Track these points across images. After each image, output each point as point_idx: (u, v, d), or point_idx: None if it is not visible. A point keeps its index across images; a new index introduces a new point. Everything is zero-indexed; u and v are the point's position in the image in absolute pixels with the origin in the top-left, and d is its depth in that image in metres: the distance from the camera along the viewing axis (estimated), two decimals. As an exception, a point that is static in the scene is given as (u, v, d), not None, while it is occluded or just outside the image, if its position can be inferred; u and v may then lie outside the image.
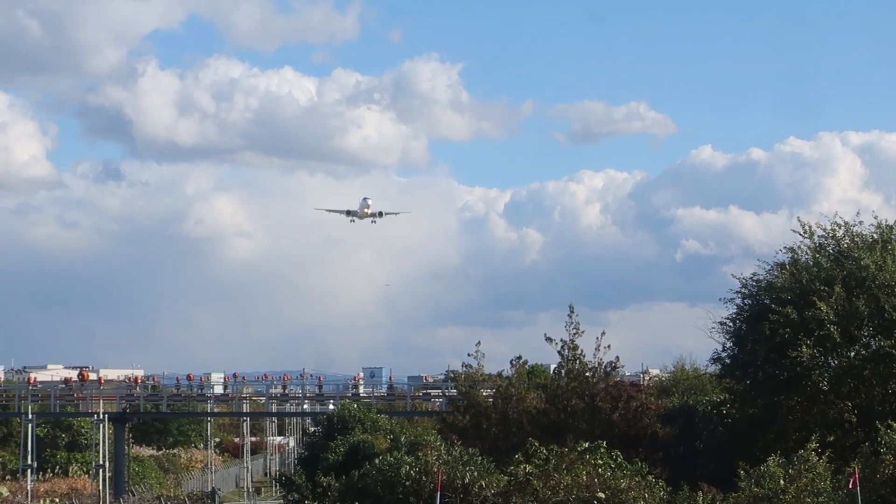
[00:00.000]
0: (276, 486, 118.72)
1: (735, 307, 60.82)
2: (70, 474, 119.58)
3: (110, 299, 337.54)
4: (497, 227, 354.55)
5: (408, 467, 49.35)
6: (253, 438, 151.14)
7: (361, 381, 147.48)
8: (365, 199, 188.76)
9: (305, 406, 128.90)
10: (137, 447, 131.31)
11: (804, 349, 55.29)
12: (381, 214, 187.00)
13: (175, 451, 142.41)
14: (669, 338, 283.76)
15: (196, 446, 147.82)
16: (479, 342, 64.80)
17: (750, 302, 60.21)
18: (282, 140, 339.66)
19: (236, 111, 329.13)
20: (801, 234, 60.05)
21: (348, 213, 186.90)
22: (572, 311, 61.78)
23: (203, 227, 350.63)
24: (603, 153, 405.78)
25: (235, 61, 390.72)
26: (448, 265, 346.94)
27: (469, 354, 64.61)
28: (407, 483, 48.85)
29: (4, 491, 77.13)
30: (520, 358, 65.49)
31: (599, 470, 46.73)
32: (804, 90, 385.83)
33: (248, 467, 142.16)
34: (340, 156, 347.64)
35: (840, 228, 59.52)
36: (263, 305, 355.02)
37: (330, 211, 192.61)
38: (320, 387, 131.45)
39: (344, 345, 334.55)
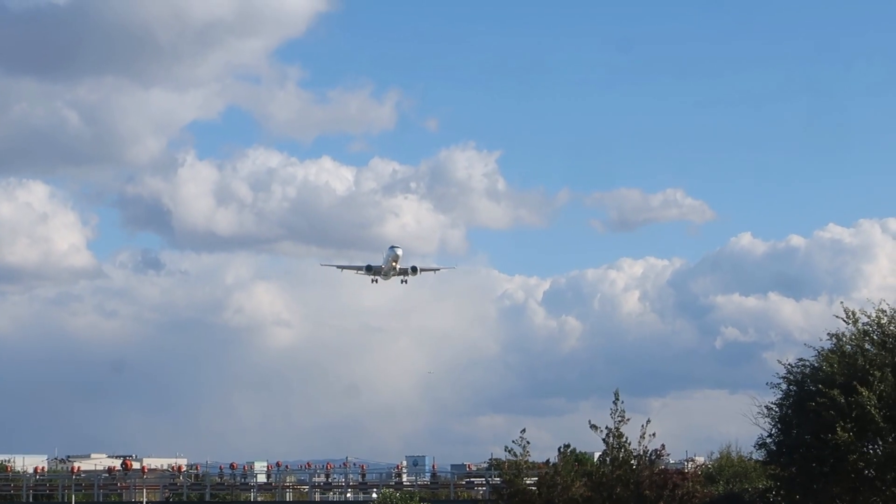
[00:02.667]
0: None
1: (780, 392, 60.82)
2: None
3: (151, 388, 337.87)
4: (536, 316, 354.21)
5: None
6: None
7: (404, 470, 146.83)
8: (392, 248, 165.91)
9: (349, 495, 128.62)
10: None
11: (840, 432, 55.23)
12: (415, 271, 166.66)
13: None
14: (711, 425, 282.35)
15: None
16: (524, 429, 64.49)
17: (795, 388, 60.22)
18: (320, 229, 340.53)
19: (274, 201, 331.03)
20: (844, 321, 60.08)
21: (369, 269, 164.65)
22: (617, 398, 61.77)
23: (242, 315, 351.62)
24: (641, 241, 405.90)
25: (274, 151, 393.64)
26: (487, 353, 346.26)
27: (514, 441, 64.37)
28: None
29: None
30: (568, 446, 65.34)
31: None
32: (845, 176, 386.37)
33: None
34: (378, 244, 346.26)
35: (885, 315, 59.56)
36: (304, 394, 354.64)
37: (343, 268, 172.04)
38: (363, 475, 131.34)
39: (384, 433, 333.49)
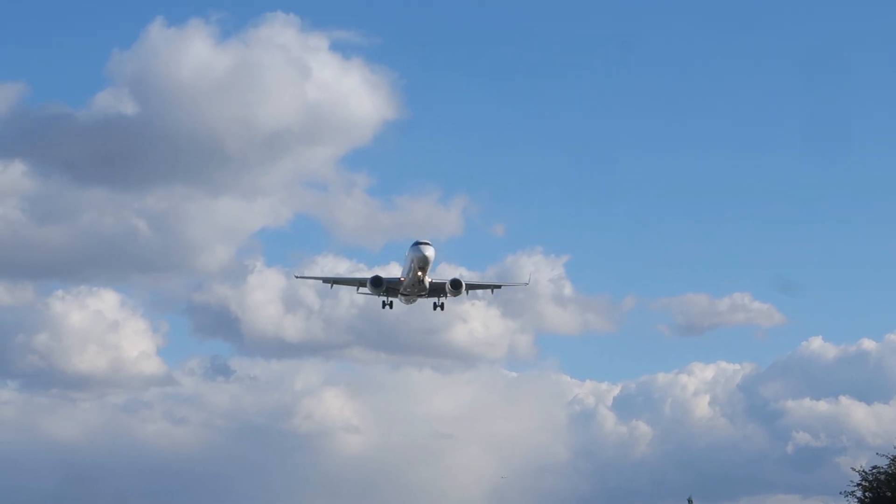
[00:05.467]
0: None
1: (856, 500, 60.50)
2: None
3: (221, 495, 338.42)
4: (606, 421, 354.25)
5: None
6: None
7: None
8: (417, 245, 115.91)
9: None
10: None
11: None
12: (457, 287, 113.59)
13: None
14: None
15: None
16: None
17: (871, 495, 59.87)
18: (388, 335, 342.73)
19: (342, 307, 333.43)
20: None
21: (376, 283, 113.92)
22: (690, 504, 61.37)
23: (312, 422, 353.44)
24: (711, 345, 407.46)
25: (342, 258, 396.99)
26: (557, 459, 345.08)
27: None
28: None
29: None
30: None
31: None
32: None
33: None
34: (447, 350, 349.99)
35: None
36: (373, 501, 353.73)
37: (334, 282, 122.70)
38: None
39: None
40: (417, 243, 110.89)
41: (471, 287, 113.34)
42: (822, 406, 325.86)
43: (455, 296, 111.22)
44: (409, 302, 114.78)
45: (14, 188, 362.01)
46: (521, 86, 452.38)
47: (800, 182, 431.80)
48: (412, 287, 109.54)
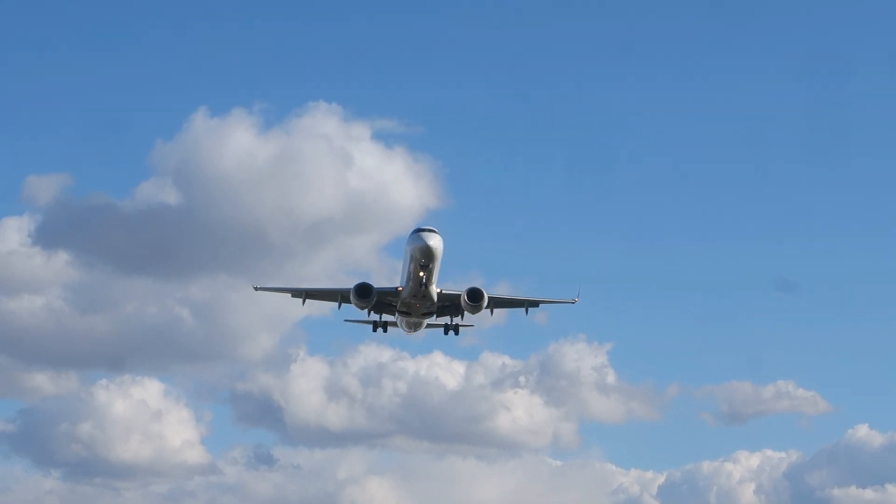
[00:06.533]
0: None
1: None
2: None
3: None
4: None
5: None
6: None
7: None
8: (418, 232, 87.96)
9: None
10: None
11: None
12: (476, 299, 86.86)
13: None
14: None
15: None
16: None
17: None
18: (431, 424, 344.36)
19: (385, 396, 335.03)
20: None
21: (362, 292, 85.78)
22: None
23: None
24: (755, 433, 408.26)
25: (385, 347, 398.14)
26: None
27: None
28: None
29: None
30: None
31: None
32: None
33: None
34: (491, 439, 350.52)
35: None
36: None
37: (308, 296, 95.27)
38: None
39: None
40: (418, 230, 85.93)
41: (498, 304, 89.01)
42: (869, 494, 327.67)
43: (474, 313, 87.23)
44: (411, 328, 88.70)
45: (58, 278, 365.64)
46: (565, 174, 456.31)
47: (840, 269, 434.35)
48: (414, 298, 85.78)
